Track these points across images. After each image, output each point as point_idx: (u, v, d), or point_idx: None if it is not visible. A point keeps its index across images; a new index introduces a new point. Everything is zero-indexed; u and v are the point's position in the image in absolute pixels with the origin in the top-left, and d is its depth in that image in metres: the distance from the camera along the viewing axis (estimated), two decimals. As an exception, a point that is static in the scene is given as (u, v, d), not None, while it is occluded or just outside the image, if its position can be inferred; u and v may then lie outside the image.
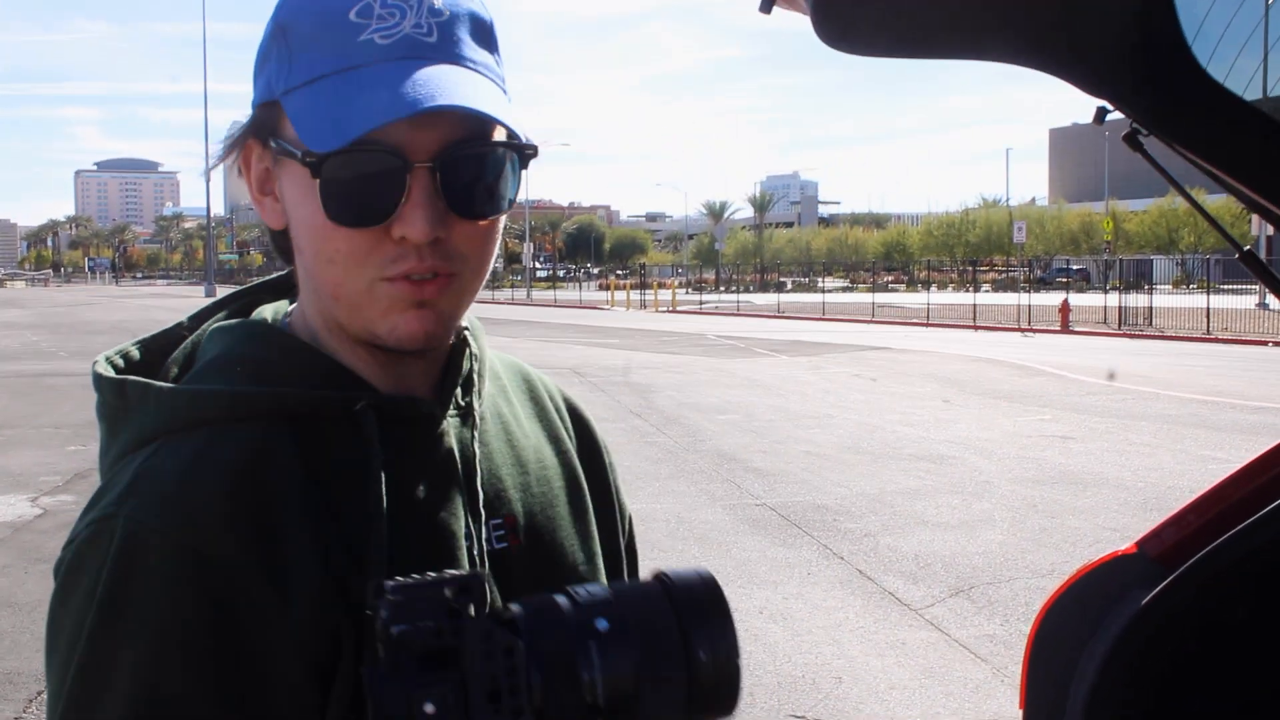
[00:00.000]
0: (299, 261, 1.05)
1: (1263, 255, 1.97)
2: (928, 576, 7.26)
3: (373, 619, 0.79)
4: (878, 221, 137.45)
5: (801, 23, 1.47)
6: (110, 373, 1.07)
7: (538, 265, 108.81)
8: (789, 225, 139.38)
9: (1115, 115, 1.81)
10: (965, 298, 46.89)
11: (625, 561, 1.27)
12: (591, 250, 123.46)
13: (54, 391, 17.86)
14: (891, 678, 5.57)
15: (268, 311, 1.11)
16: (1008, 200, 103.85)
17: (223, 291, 1.26)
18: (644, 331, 34.17)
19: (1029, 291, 42.00)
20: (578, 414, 1.29)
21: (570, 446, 1.23)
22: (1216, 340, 28.80)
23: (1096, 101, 1.74)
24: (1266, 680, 1.92)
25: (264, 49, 1.02)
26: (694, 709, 0.81)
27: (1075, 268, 76.00)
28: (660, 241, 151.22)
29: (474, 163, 0.98)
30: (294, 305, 1.12)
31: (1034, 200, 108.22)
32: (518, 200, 1.03)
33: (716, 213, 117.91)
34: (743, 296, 61.99)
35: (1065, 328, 32.94)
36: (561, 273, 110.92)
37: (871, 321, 39.54)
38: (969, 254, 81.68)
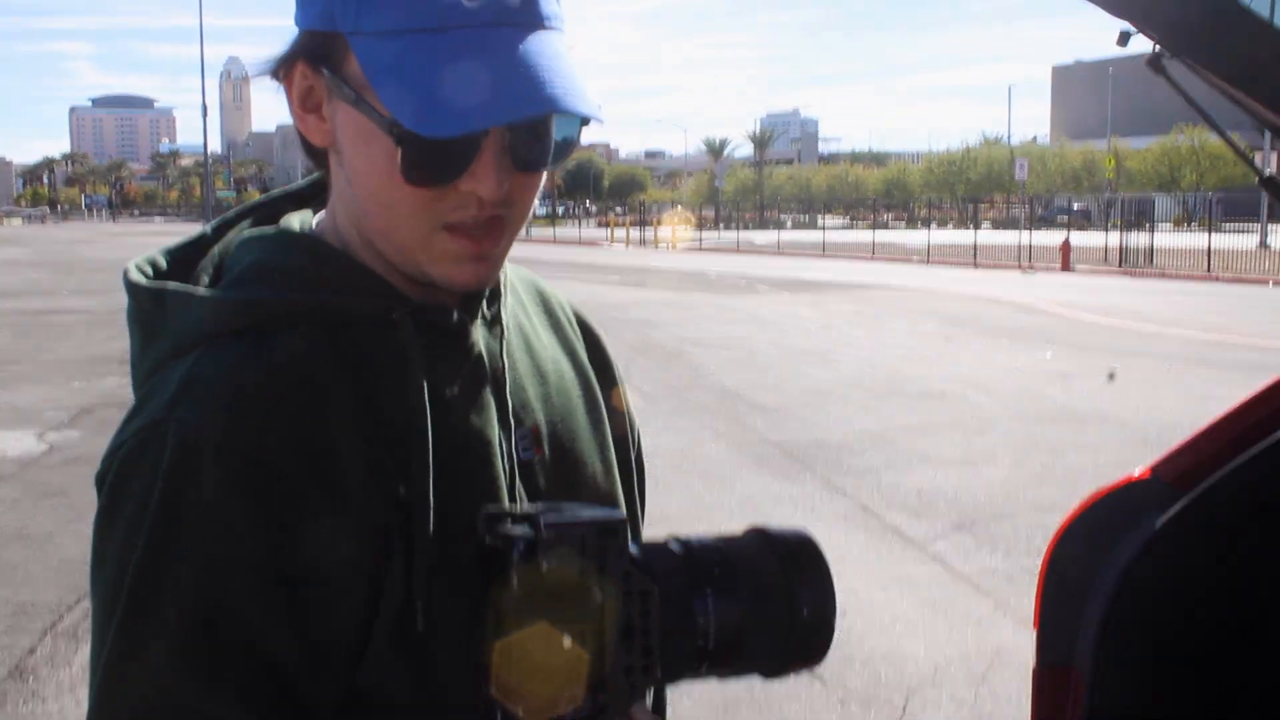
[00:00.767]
0: (342, 185, 1.05)
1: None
2: (930, 512, 7.32)
3: (506, 547, 0.81)
4: (878, 159, 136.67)
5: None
6: (144, 280, 1.06)
7: (537, 203, 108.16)
8: (789, 163, 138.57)
9: (1125, 51, 1.81)
10: (966, 236, 46.74)
11: (635, 474, 1.29)
12: (590, 188, 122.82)
13: (57, 328, 17.86)
14: (895, 611, 5.64)
15: (295, 221, 1.11)
16: (1009, 138, 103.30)
17: None
18: (643, 269, 34.11)
19: (1030, 230, 41.84)
20: (588, 328, 1.31)
21: (584, 359, 1.25)
22: (1217, 279, 28.77)
23: (1107, 30, 1.73)
24: (1276, 601, 1.95)
25: None
26: (789, 656, 0.84)
27: (1076, 206, 75.63)
28: (660, 179, 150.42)
29: (544, 125, 0.98)
30: (320, 215, 1.12)
31: (1036, 138, 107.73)
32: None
33: (716, 150, 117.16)
34: (743, 234, 61.76)
35: (1066, 266, 32.89)
36: (560, 210, 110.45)
37: (872, 259, 39.46)
38: (970, 192, 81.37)
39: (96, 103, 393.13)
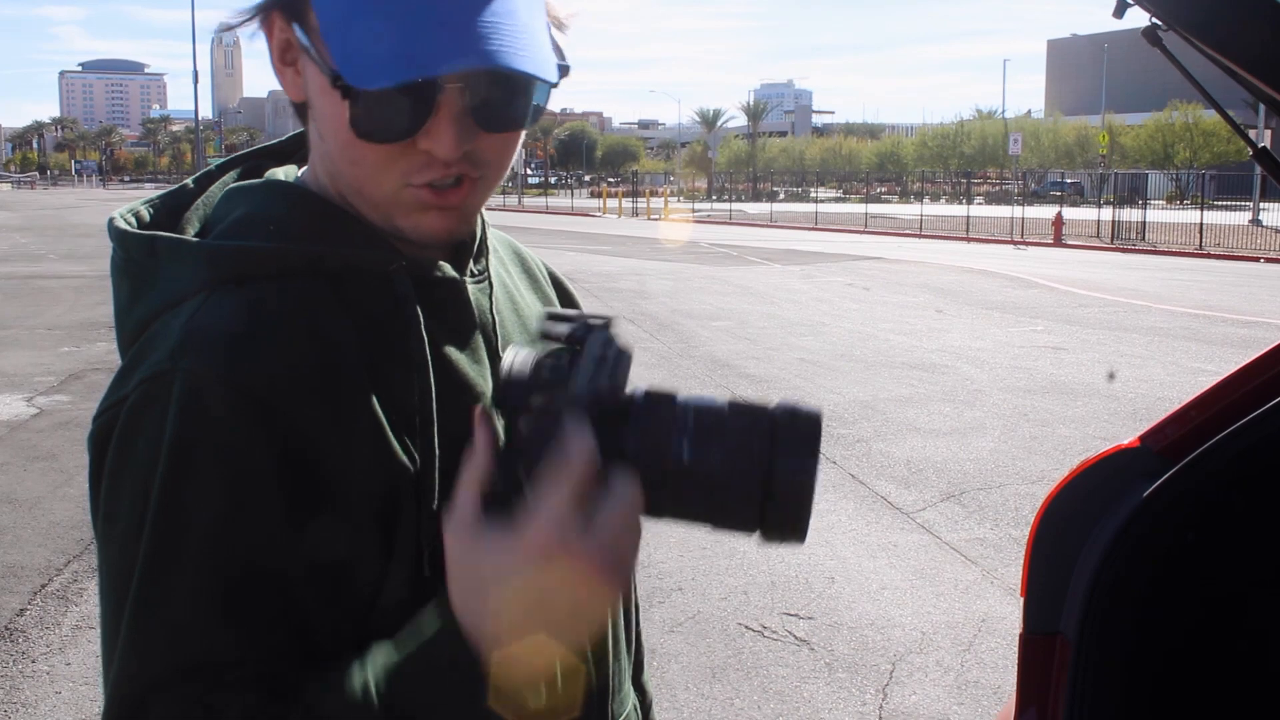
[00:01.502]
0: (316, 140, 1.05)
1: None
2: (919, 482, 7.35)
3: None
4: (872, 132, 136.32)
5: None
6: (134, 228, 1.05)
7: (529, 172, 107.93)
8: (783, 134, 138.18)
9: (1120, 26, 1.81)
10: (958, 209, 46.74)
11: None
12: (583, 157, 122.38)
13: (45, 293, 17.80)
14: (883, 578, 5.67)
15: (279, 174, 1.11)
16: (1003, 112, 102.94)
17: None
18: (635, 239, 34.04)
19: (1022, 204, 41.83)
20: (564, 288, 1.35)
21: None
22: (1209, 255, 28.81)
23: (1104, 5, 1.73)
24: (1262, 571, 1.97)
25: None
26: (768, 524, 0.85)
27: (1069, 181, 75.60)
28: (653, 149, 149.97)
29: (505, 82, 0.96)
30: (303, 170, 1.12)
31: (1030, 113, 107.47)
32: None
33: (710, 120, 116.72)
34: (735, 205, 61.64)
35: (1058, 241, 32.91)
36: (553, 180, 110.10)
37: (864, 232, 39.42)
38: (963, 166, 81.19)
39: (86, 67, 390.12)
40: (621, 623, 1.24)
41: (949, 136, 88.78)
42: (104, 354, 11.83)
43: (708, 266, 23.65)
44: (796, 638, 4.95)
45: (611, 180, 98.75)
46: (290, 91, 1.04)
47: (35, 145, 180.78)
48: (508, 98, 0.97)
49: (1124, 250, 30.90)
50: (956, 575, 5.73)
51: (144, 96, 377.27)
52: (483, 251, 1.15)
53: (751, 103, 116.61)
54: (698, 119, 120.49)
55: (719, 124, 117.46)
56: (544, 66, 0.94)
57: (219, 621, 0.88)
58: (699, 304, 16.51)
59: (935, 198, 77.56)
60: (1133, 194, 41.37)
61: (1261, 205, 39.84)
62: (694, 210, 56.61)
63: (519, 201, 67.99)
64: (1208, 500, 1.89)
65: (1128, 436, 2.03)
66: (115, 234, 1.06)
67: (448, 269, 1.08)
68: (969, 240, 34.97)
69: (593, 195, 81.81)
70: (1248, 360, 2.02)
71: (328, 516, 0.93)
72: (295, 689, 0.87)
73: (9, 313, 15.49)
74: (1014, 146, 46.03)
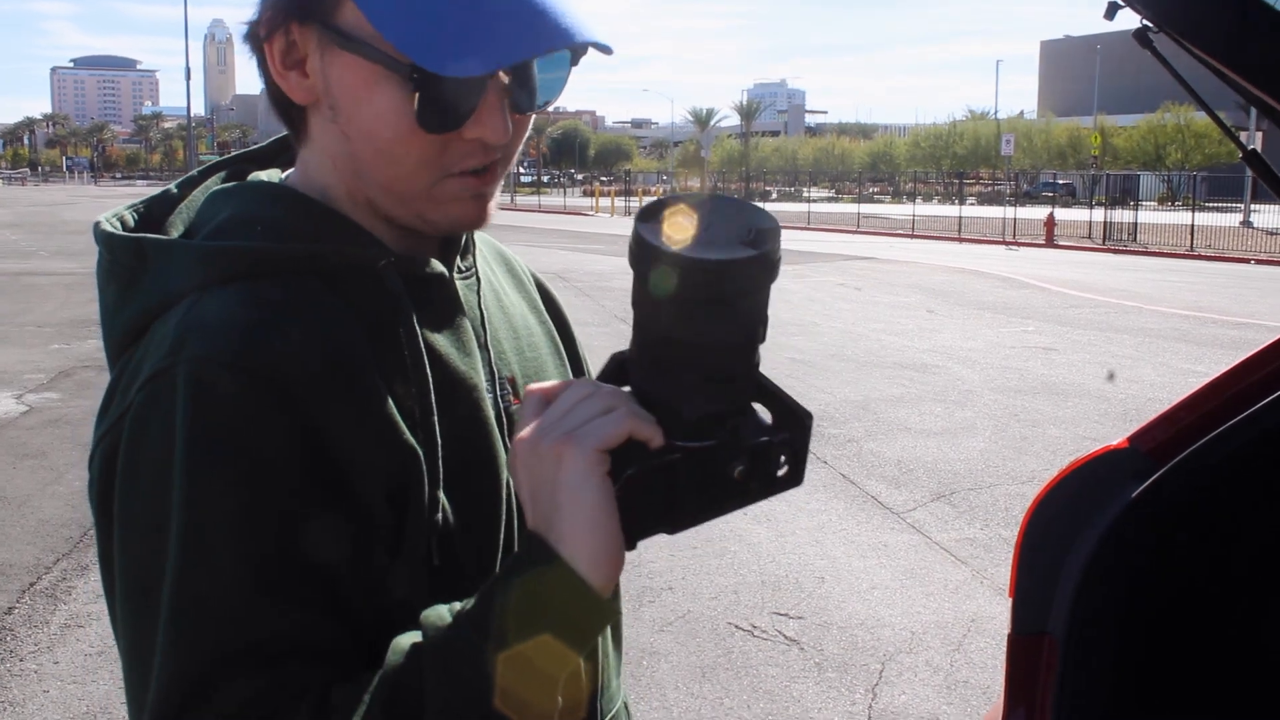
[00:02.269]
0: (330, 141, 1.03)
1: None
2: (910, 481, 7.36)
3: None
4: (865, 132, 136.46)
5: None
6: (120, 231, 1.05)
7: (522, 170, 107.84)
8: (775, 134, 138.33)
9: (1114, 28, 1.81)
10: (951, 210, 46.78)
11: None
12: (576, 156, 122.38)
13: (35, 290, 17.76)
14: (873, 578, 5.68)
15: (263, 178, 1.11)
16: (996, 113, 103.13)
17: None
18: (628, 238, 34.00)
19: (1014, 205, 41.91)
20: (546, 290, 1.35)
21: (547, 317, 1.30)
22: (1200, 257, 28.88)
23: (1097, 7, 1.73)
24: (1249, 571, 1.98)
25: None
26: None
27: (1061, 182, 75.75)
28: (645, 148, 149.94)
29: (544, 61, 0.99)
30: (287, 173, 1.12)
31: (1022, 113, 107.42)
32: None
33: (703, 120, 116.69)
34: (728, 205, 61.30)
35: (1050, 242, 32.97)
36: (546, 179, 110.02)
37: (856, 232, 39.46)
38: (955, 166, 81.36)
39: (78, 63, 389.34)
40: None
41: (942, 137, 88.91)
42: (94, 351, 11.79)
43: (700, 266, 23.58)
44: (786, 637, 4.95)
45: (604, 179, 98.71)
46: (297, 94, 1.02)
47: (26, 141, 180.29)
48: (533, 79, 0.99)
49: (1115, 251, 30.95)
50: (946, 575, 5.74)
51: (136, 93, 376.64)
52: (469, 248, 1.16)
53: (745, 102, 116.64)
54: (691, 118, 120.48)
55: (712, 123, 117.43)
56: (607, 34, 0.95)
57: (265, 603, 0.87)
58: (691, 303, 16.43)
59: (928, 198, 77.72)
60: (1124, 195, 41.47)
61: (1252, 207, 39.95)
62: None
63: (512, 200, 67.96)
64: (1196, 501, 1.90)
65: (1118, 437, 2.04)
66: (101, 237, 1.05)
67: (436, 265, 1.08)
68: (961, 241, 35.02)
69: (586, 194, 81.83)
70: (1236, 362, 2.03)
71: (345, 501, 0.92)
72: (358, 658, 0.89)
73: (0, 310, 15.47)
74: (1006, 147, 46.08)
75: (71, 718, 4.21)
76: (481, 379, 1.08)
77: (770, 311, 0.91)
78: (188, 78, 63.29)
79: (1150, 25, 1.71)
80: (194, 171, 1.16)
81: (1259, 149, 1.95)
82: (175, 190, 1.12)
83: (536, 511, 0.88)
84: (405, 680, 0.85)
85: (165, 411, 0.90)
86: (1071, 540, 1.86)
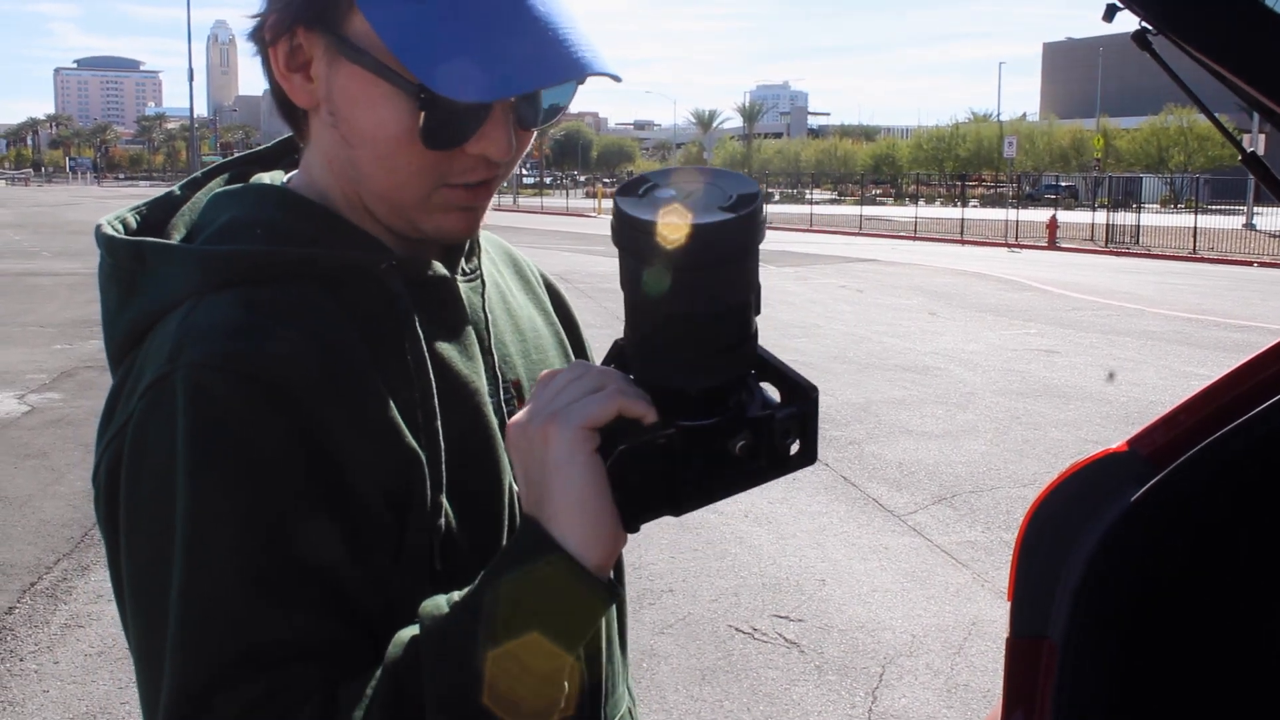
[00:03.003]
0: (331, 145, 1.03)
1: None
2: (911, 484, 7.35)
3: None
4: (867, 134, 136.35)
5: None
6: (122, 234, 1.05)
7: (524, 172, 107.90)
8: (778, 136, 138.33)
9: (1116, 30, 1.81)
10: (953, 212, 46.76)
11: None
12: (579, 157, 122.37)
13: (38, 290, 17.78)
14: (874, 581, 5.67)
15: (265, 180, 1.11)
16: (999, 115, 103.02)
17: None
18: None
19: (1017, 207, 41.87)
20: (555, 290, 1.35)
21: (555, 319, 1.29)
22: (1202, 259, 28.85)
23: (1098, 8, 1.73)
24: (1249, 576, 1.97)
25: None
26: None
27: (1064, 184, 75.69)
28: (648, 150, 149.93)
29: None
30: (291, 175, 1.12)
31: (1025, 116, 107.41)
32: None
33: (705, 122, 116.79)
34: (730, 207, 61.28)
35: (1052, 244, 32.94)
36: (548, 180, 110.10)
37: (859, 234, 39.44)
38: (958, 168, 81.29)
39: (81, 64, 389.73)
40: (615, 623, 1.24)
41: (944, 139, 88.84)
42: (96, 351, 11.80)
43: (702, 267, 23.57)
44: (787, 640, 4.95)
45: (607, 181, 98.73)
46: (300, 97, 1.02)
47: (30, 142, 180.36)
48: (539, 96, 0.99)
49: (1118, 254, 30.93)
50: (947, 578, 5.73)
51: (139, 94, 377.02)
52: (474, 250, 1.15)
53: (747, 104, 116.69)
54: (693, 120, 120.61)
55: (715, 125, 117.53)
56: (615, 64, 0.96)
57: (268, 606, 0.87)
58: (693, 305, 16.43)
59: (930, 200, 77.73)
60: (1127, 197, 41.39)
61: (1255, 210, 39.92)
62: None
63: (514, 201, 68.01)
64: (1195, 505, 1.89)
65: (1119, 440, 2.03)
66: (103, 240, 1.05)
67: (439, 268, 1.08)
68: (963, 243, 35.01)
69: (588, 196, 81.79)
70: (1235, 365, 2.02)
71: (346, 503, 0.92)
72: (362, 658, 0.88)
73: (1, 310, 15.47)
74: (1009, 149, 46.11)
75: (71, 718, 4.21)
76: (484, 383, 1.08)
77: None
78: (190, 79, 63.36)
79: (1149, 27, 1.71)
80: (198, 173, 1.16)
81: (1261, 151, 1.95)
82: (179, 192, 1.12)
83: (529, 494, 0.89)
84: (406, 672, 0.86)
85: (166, 418, 0.90)
86: (1070, 544, 1.85)
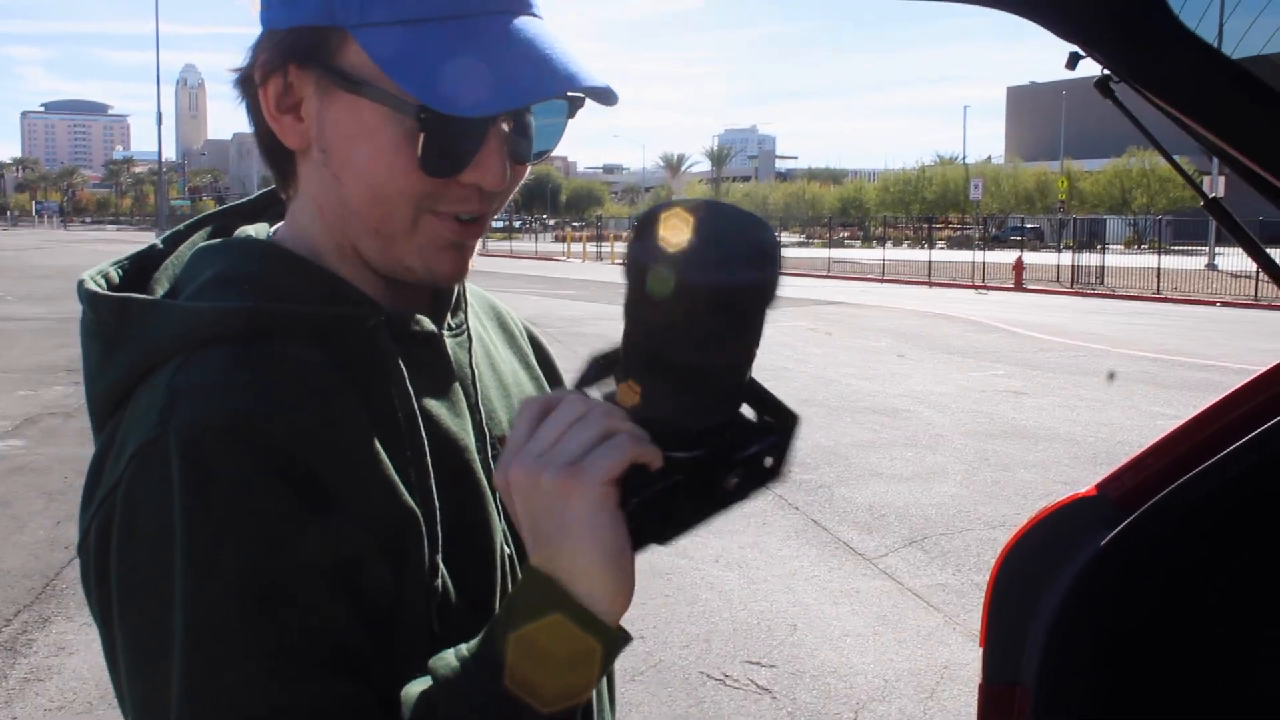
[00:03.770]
0: (320, 187, 1.02)
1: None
2: (881, 527, 7.35)
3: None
4: (835, 177, 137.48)
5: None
6: (104, 290, 1.02)
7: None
8: (746, 179, 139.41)
9: (1079, 75, 1.83)
10: (920, 254, 47.13)
11: None
12: (548, 201, 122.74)
13: (2, 336, 17.58)
14: (845, 625, 5.65)
15: (250, 233, 1.09)
16: (964, 158, 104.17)
17: None
18: (601, 283, 34.09)
19: (983, 249, 42.26)
20: (538, 343, 1.34)
21: (539, 372, 1.28)
22: (1166, 300, 29.17)
23: (1061, 54, 1.75)
24: (1219, 618, 1.97)
25: None
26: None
27: (1029, 226, 76.56)
28: (617, 194, 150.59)
29: (542, 111, 1.00)
30: (276, 227, 1.10)
31: (990, 159, 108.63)
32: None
33: (674, 165, 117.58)
34: (699, 250, 61.61)
35: (1019, 285, 33.22)
36: (517, 224, 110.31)
37: (827, 276, 39.66)
38: (925, 211, 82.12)
39: (49, 107, 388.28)
40: (605, 677, 1.22)
41: (911, 182, 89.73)
42: (61, 398, 11.68)
43: (672, 310, 23.62)
44: (759, 686, 4.92)
45: (576, 224, 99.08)
46: (290, 138, 1.01)
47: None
48: (530, 130, 1.00)
49: (1083, 294, 31.23)
50: (919, 622, 5.72)
51: (107, 138, 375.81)
52: (460, 304, 1.14)
53: (715, 148, 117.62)
54: (662, 164, 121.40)
55: (683, 169, 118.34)
56: (608, 86, 0.96)
57: (274, 674, 0.85)
58: (663, 348, 16.43)
59: (898, 242, 78.29)
60: (1091, 239, 41.91)
61: (1217, 250, 40.44)
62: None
63: (483, 245, 67.77)
64: (1165, 549, 1.90)
65: (1088, 481, 2.04)
66: (85, 296, 1.02)
67: (426, 323, 1.07)
68: (931, 285, 35.26)
69: (557, 239, 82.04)
70: (1201, 409, 2.03)
71: (348, 564, 0.90)
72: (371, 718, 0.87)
73: (-36, 356, 15.30)
74: (975, 192, 46.56)
75: (30, 774, 4.13)
76: (472, 440, 1.07)
77: None
78: (159, 122, 63.22)
79: (1112, 75, 1.73)
80: (180, 226, 1.14)
81: (1221, 193, 1.97)
82: (161, 245, 1.10)
83: (540, 548, 0.85)
84: None
85: (159, 481, 0.87)
86: (1040, 590, 1.85)
